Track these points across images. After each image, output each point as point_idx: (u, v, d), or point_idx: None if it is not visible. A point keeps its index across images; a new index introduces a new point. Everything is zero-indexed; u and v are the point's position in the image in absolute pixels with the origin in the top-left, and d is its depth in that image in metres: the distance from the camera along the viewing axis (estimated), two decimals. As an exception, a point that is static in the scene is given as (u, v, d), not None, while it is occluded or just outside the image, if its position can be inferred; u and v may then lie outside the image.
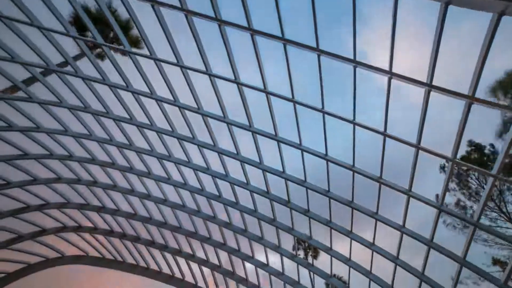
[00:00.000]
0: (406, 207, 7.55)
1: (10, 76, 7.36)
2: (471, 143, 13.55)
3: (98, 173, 10.80)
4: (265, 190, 9.50)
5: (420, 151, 6.15)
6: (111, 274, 15.12)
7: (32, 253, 13.01)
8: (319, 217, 9.48)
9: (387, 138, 6.34)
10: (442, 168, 12.74)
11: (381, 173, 7.23)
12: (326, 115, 6.69)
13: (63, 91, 7.94)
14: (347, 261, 10.08)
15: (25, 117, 8.33)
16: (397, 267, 8.87)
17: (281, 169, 8.72)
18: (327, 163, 7.82)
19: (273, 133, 7.66)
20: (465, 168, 13.99)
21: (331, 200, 8.70)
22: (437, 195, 8.74)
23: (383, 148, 6.61)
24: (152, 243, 13.04)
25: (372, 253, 9.35)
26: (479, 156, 13.45)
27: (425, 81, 4.80)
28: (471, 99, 4.53)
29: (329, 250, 10.23)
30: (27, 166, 10.08)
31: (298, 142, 7.65)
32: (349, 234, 9.28)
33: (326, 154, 7.59)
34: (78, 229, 12.89)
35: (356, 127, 6.54)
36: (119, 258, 14.19)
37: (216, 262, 12.89)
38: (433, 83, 4.75)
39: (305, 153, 7.87)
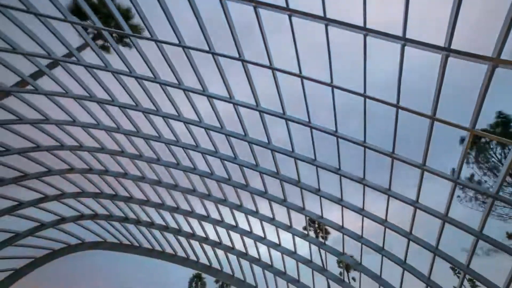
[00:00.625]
0: (420, 182, 7.37)
1: (17, 71, 7.37)
2: (500, 114, 12.52)
3: (108, 162, 10.97)
4: (275, 171, 9.45)
5: (436, 122, 5.88)
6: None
7: (55, 240, 13.59)
8: (330, 196, 9.43)
9: (400, 111, 6.09)
10: (462, 141, 12.18)
11: (393, 148, 7.02)
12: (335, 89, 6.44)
13: (68, 81, 7.93)
14: (359, 238, 10.12)
15: (34, 110, 8.41)
16: (410, 243, 8.86)
17: (290, 149, 8.60)
18: (337, 140, 7.65)
19: (281, 111, 7.48)
20: (485, 140, 13.30)
21: (342, 178, 8.59)
22: (453, 169, 8.49)
23: (396, 121, 6.36)
24: (166, 228, 13.40)
25: (385, 230, 9.33)
26: (504, 129, 12.45)
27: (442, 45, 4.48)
28: (495, 61, 4.20)
29: (341, 229, 10.26)
30: (41, 158, 10.31)
31: (307, 120, 7.46)
32: (361, 211, 9.23)
33: (336, 131, 7.39)
34: (95, 217, 13.32)
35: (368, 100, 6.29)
36: (136, 243, 14.70)
37: (229, 244, 13.18)
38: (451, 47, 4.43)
39: (314, 131, 7.70)
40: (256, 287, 14.05)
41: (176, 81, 7.35)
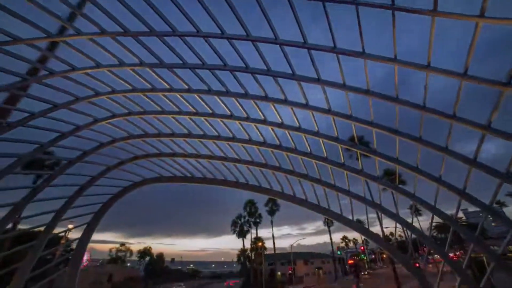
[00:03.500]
0: (481, 142, 7.52)
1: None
2: None
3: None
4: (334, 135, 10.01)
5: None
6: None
7: (123, 179, 15.79)
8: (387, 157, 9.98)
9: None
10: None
11: (454, 112, 7.09)
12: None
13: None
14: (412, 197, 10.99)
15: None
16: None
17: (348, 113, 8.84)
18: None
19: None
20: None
21: (398, 139, 8.92)
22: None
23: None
24: (211, 157, 13.65)
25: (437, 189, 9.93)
26: None
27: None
28: None
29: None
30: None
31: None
32: (415, 170, 9.77)
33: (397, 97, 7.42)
34: (147, 156, 13.85)
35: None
36: (188, 175, 15.59)
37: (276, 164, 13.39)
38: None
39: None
40: (305, 200, 14.46)
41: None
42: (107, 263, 69.50)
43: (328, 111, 8.92)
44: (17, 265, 11.33)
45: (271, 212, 67.15)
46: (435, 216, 10.70)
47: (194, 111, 10.55)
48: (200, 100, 9.85)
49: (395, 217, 12.07)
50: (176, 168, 15.09)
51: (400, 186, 11.44)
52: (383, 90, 7.70)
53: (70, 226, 18.39)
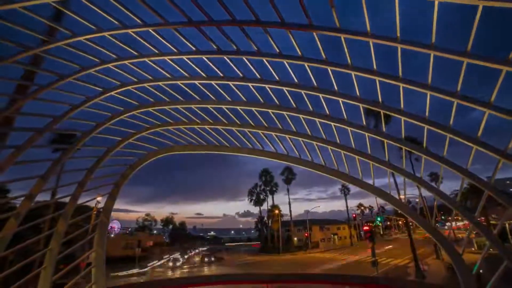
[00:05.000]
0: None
1: None
2: None
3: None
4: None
5: None
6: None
7: (136, 150, 15.94)
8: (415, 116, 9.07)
9: None
10: None
11: None
12: None
13: None
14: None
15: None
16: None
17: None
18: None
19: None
20: None
21: (429, 94, 7.94)
22: None
23: None
24: (225, 123, 14.46)
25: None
26: None
27: None
28: None
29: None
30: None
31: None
32: (446, 130, 8.91)
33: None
34: (158, 126, 13.57)
35: None
36: (204, 143, 15.26)
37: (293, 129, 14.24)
38: None
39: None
40: (324, 165, 13.83)
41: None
42: (135, 231, 75.70)
43: (347, 66, 8.00)
44: (52, 230, 12.12)
45: (287, 181, 68.06)
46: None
47: (205, 75, 9.91)
48: (209, 63, 9.15)
49: (421, 182, 11.44)
50: (191, 137, 14.90)
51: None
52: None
53: (99, 198, 19.36)
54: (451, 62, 6.46)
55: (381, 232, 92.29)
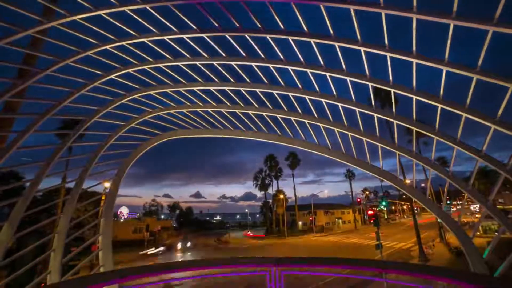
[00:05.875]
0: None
1: None
2: None
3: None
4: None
5: None
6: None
7: (138, 136, 15.75)
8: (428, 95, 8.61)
9: None
10: None
11: None
12: None
13: None
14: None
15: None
16: None
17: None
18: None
19: None
20: None
21: (445, 70, 7.44)
22: None
23: None
24: (229, 106, 14.17)
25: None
26: None
27: None
28: None
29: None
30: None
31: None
32: (462, 109, 8.45)
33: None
34: (160, 110, 13.50)
35: None
36: (207, 127, 15.14)
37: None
38: None
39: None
40: (330, 148, 13.62)
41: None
42: (143, 215, 77.95)
43: (356, 42, 7.50)
44: (59, 215, 12.29)
45: (292, 166, 68.18)
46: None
47: (207, 56, 9.50)
48: (213, 44, 8.71)
49: (432, 165, 11.09)
50: (193, 120, 14.66)
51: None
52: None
53: (106, 184, 19.48)
54: (475, 34, 5.93)
55: (386, 216, 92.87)
